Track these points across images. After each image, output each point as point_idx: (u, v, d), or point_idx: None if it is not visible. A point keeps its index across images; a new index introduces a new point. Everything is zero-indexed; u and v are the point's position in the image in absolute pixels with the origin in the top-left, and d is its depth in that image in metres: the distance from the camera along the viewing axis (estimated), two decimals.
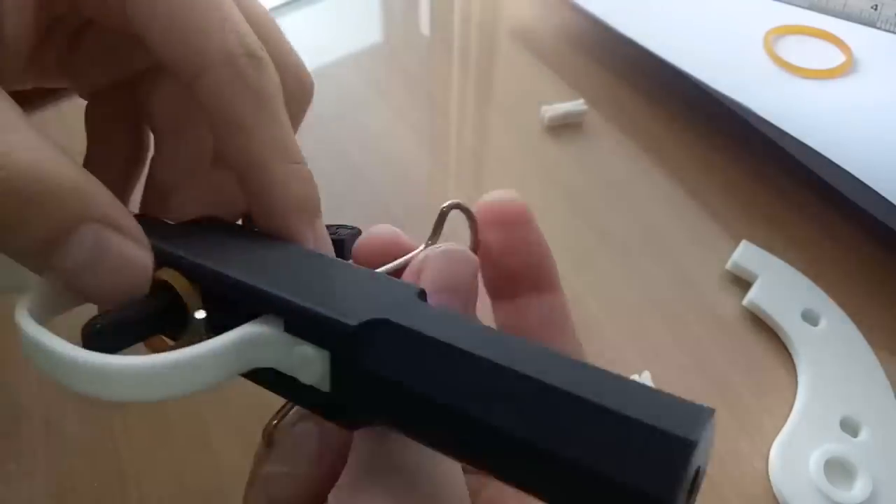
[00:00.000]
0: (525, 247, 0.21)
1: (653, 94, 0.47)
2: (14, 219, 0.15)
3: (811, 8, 0.44)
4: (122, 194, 0.23)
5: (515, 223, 0.21)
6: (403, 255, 0.20)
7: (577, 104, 0.45)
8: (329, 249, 0.20)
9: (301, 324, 0.15)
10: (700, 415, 0.12)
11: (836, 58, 0.43)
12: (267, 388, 0.17)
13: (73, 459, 0.28)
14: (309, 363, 0.15)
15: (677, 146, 0.44)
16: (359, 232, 0.22)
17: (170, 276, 0.16)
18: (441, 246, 0.19)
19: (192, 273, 0.16)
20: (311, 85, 0.22)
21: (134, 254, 0.16)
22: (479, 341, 0.14)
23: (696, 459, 0.11)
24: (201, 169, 0.22)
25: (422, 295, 0.16)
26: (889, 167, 0.35)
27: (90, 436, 0.29)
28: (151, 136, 0.23)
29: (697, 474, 0.12)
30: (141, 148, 0.24)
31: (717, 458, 0.29)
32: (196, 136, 0.22)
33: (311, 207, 0.19)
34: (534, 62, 0.50)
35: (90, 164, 0.22)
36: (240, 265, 0.17)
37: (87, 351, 0.14)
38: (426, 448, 0.15)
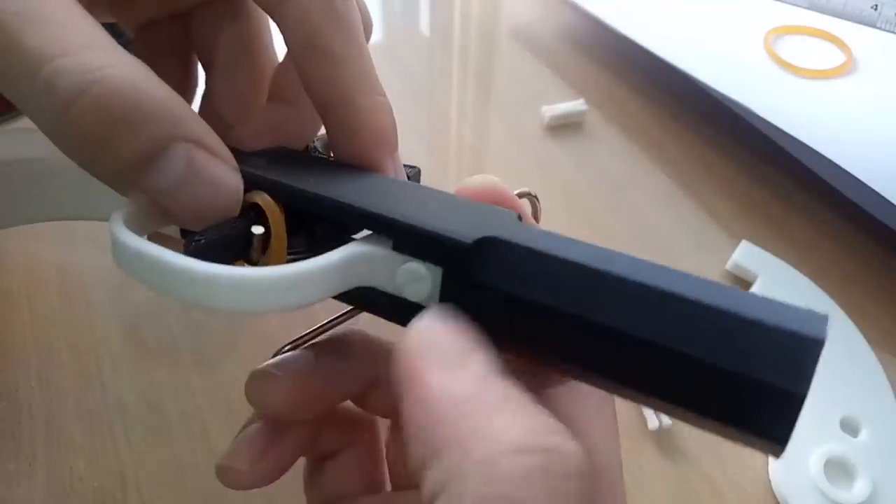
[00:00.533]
0: None
1: (653, 94, 0.47)
2: (107, 136, 0.15)
3: (811, 8, 0.45)
4: None
5: None
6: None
7: (577, 104, 0.45)
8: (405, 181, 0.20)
9: (413, 242, 0.15)
10: (819, 317, 0.13)
11: (836, 58, 0.43)
12: (364, 307, 0.17)
13: (73, 459, 0.28)
14: (418, 280, 0.15)
15: (677, 146, 0.44)
16: (419, 171, 0.22)
17: (260, 198, 0.17)
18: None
19: (282, 195, 0.17)
20: (372, 25, 0.22)
21: (225, 174, 0.16)
22: (592, 255, 0.14)
23: None
24: (258, 104, 0.22)
25: (520, 218, 0.17)
26: (889, 167, 0.35)
27: (90, 436, 0.29)
28: (200, 71, 0.23)
29: None
30: (189, 82, 0.23)
31: (717, 458, 0.29)
32: (253, 71, 0.22)
33: (393, 139, 0.19)
34: (534, 62, 0.50)
35: None
36: (329, 188, 0.17)
37: (203, 262, 0.15)
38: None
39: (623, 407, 0.22)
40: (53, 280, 0.34)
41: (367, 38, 0.21)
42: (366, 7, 0.21)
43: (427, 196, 0.18)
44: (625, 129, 0.45)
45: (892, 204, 0.34)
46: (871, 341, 0.33)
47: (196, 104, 0.23)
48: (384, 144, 0.19)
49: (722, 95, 0.40)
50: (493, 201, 0.18)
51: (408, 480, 0.22)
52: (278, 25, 0.19)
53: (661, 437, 0.30)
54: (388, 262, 0.16)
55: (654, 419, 0.30)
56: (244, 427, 0.20)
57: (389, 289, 0.16)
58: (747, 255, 0.36)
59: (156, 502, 0.27)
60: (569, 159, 0.43)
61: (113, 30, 0.18)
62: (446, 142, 0.44)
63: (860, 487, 0.28)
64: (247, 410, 0.30)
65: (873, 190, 0.34)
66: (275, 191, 0.17)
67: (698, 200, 0.41)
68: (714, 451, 0.29)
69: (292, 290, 0.15)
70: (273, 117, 0.22)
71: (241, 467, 0.19)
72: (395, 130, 0.20)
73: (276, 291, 0.15)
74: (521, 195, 0.20)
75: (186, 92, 0.23)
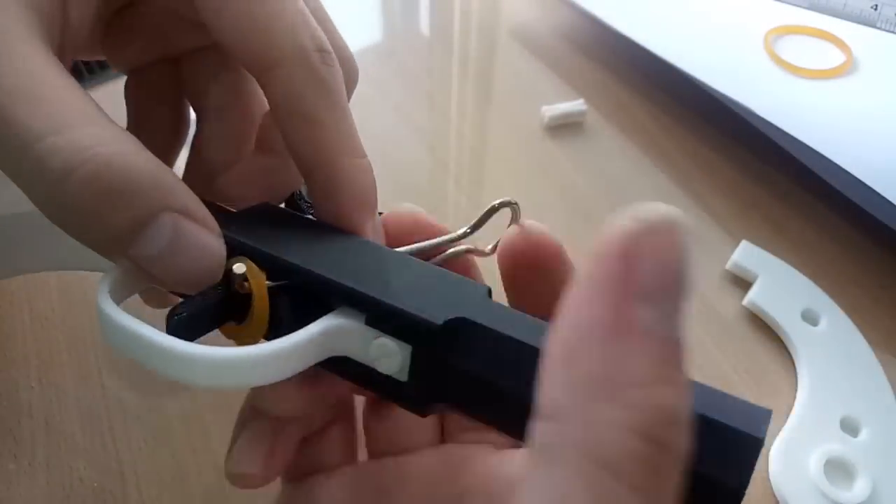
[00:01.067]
0: (559, 288, 0.18)
1: (653, 95, 0.47)
2: (97, 210, 0.15)
3: (811, 8, 0.44)
4: None
5: (548, 268, 0.20)
6: (428, 235, 0.20)
7: (577, 104, 0.45)
8: (383, 239, 0.21)
9: (385, 320, 0.16)
10: (762, 414, 0.13)
11: (836, 58, 0.43)
12: (340, 375, 0.18)
13: (73, 459, 0.28)
14: (389, 355, 0.16)
15: (677, 146, 0.44)
16: None
17: (244, 265, 0.17)
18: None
19: (264, 263, 0.17)
20: (357, 74, 0.22)
21: (209, 242, 0.16)
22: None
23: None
24: (247, 149, 0.22)
25: (489, 293, 0.17)
26: (889, 167, 0.35)
27: (90, 436, 0.29)
28: (192, 115, 0.23)
29: None
30: (181, 125, 0.24)
31: None
32: (243, 116, 0.22)
33: (373, 202, 0.20)
34: (534, 62, 0.50)
35: None
36: (309, 257, 0.17)
37: (183, 341, 0.15)
38: None
39: None
40: (53, 280, 0.34)
41: (353, 87, 0.22)
42: (350, 54, 0.22)
43: (402, 266, 0.18)
44: (625, 129, 0.45)
45: (892, 204, 0.34)
46: (871, 341, 0.33)
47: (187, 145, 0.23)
48: (363, 207, 0.20)
49: (722, 95, 0.40)
50: (415, 231, 0.19)
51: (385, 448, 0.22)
52: (263, 90, 0.19)
53: None
54: (362, 336, 0.16)
55: None
56: (240, 421, 0.20)
57: (363, 360, 0.17)
58: (747, 255, 0.36)
59: (156, 502, 0.27)
60: (569, 159, 0.43)
61: (75, 71, 0.18)
62: (446, 142, 0.44)
63: (860, 487, 0.28)
64: None
65: (873, 190, 0.34)
66: (256, 258, 0.17)
67: (698, 200, 0.40)
68: None
69: (268, 367, 0.15)
70: (260, 165, 0.22)
71: (254, 472, 0.19)
72: (375, 192, 0.20)
73: (253, 370, 0.15)
74: (501, 205, 0.20)
75: (178, 134, 0.24)
